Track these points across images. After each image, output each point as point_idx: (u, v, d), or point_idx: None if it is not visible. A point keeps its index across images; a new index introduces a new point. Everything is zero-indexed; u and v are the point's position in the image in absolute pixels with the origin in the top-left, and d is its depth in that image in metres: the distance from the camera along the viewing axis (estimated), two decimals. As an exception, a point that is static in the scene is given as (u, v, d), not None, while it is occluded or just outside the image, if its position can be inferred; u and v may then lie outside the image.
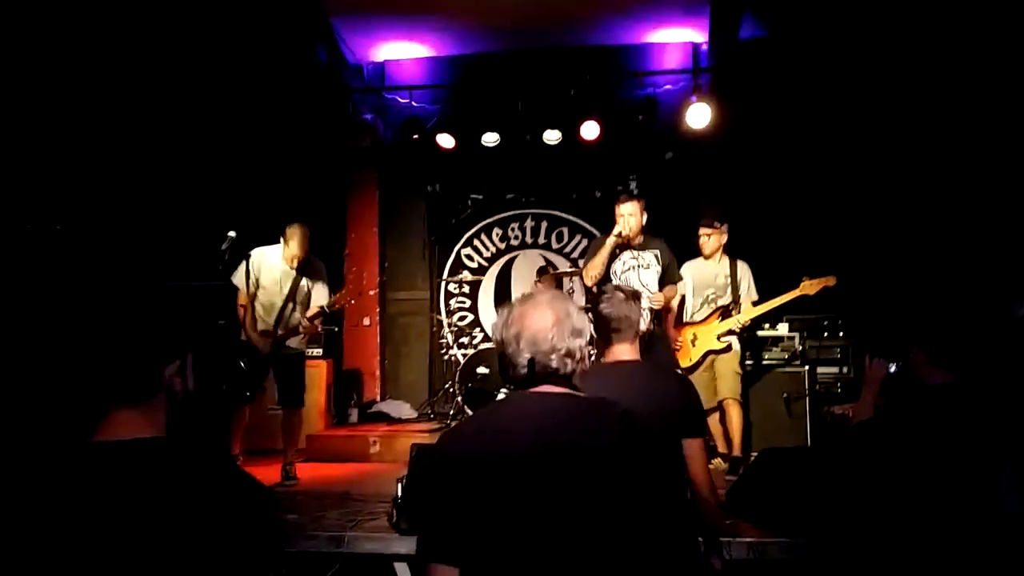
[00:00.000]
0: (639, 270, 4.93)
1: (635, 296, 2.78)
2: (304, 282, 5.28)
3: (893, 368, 2.60)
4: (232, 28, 6.01)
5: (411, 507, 3.63)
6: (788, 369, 5.73)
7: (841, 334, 5.77)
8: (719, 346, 5.10)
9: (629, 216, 4.83)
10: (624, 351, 2.68)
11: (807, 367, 5.70)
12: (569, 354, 1.72)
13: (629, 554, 1.56)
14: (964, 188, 5.64)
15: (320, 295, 5.36)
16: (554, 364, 1.70)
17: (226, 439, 5.08)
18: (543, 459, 1.59)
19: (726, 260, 5.30)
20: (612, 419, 1.68)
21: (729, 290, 5.23)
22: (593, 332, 2.49)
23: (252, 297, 5.17)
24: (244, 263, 5.05)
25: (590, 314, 2.57)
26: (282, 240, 5.21)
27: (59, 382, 1.43)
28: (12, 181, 4.82)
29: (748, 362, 5.47)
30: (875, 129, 6.14)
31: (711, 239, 5.27)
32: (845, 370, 5.68)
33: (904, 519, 2.26)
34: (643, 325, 2.78)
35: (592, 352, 1.96)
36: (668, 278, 5.01)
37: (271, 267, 5.21)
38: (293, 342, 5.29)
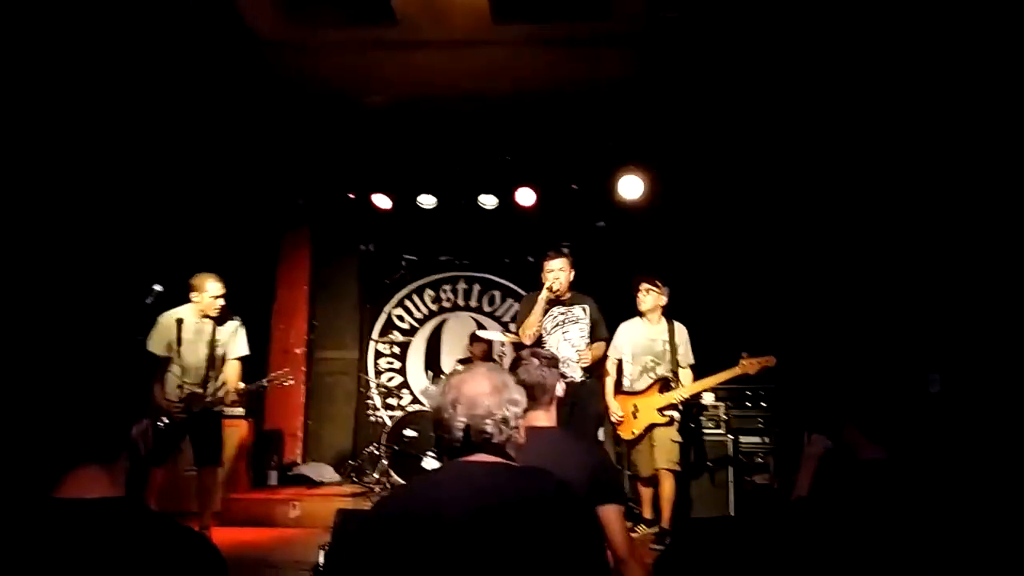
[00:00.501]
0: (568, 324, 5.01)
1: (552, 362, 2.80)
2: (220, 335, 5.12)
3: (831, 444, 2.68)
4: (168, 70, 5.93)
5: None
6: (711, 438, 5.81)
7: (764, 404, 5.90)
8: (661, 420, 5.11)
9: (559, 271, 4.96)
10: (539, 417, 2.68)
11: (730, 436, 5.80)
12: (504, 421, 1.73)
13: None
14: (882, 265, 5.90)
15: (239, 347, 5.22)
16: (489, 429, 1.70)
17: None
18: (476, 530, 1.57)
19: (664, 323, 5.34)
20: (547, 490, 1.68)
21: (668, 357, 5.25)
22: None
23: (167, 361, 4.99)
24: (154, 329, 4.94)
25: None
26: (192, 292, 5.05)
27: (29, 436, 1.38)
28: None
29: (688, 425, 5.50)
30: (800, 207, 6.41)
31: (649, 296, 5.30)
32: (767, 440, 5.80)
33: None
34: (559, 391, 2.80)
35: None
36: (596, 334, 5.09)
37: (183, 327, 5.04)
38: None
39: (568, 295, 5.06)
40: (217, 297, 5.04)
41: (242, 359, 5.23)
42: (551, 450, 2.51)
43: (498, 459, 1.73)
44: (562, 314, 5.04)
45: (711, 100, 6.37)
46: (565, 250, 7.21)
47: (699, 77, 6.26)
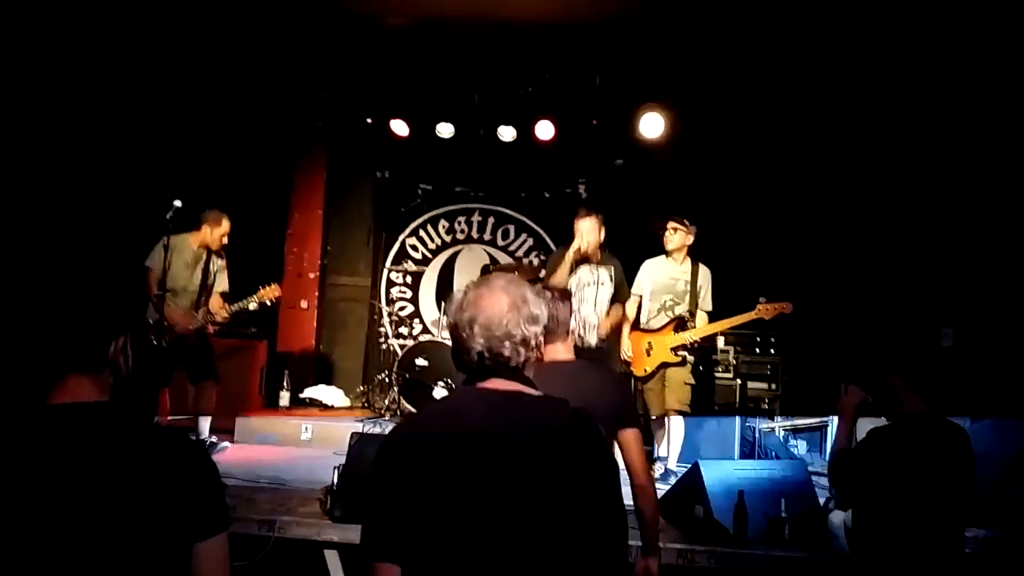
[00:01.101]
0: (596, 286, 5.07)
1: (565, 296, 2.81)
2: (214, 266, 5.46)
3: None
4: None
5: (351, 499, 3.60)
6: (721, 382, 5.87)
7: (773, 351, 5.94)
8: (674, 359, 5.10)
9: (588, 231, 4.98)
10: (558, 350, 2.71)
11: (738, 381, 5.86)
12: (524, 342, 1.68)
13: (571, 554, 1.56)
14: (898, 217, 5.86)
15: (224, 282, 5.56)
16: (507, 352, 1.66)
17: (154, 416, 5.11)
18: (490, 457, 1.57)
19: (688, 263, 5.26)
20: (561, 418, 1.66)
21: (687, 298, 5.20)
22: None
23: (159, 280, 5.08)
24: (160, 246, 5.00)
25: None
26: (204, 225, 5.37)
27: (18, 345, 1.43)
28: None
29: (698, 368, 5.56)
30: (821, 151, 6.33)
31: (676, 235, 5.23)
32: (774, 386, 5.86)
33: (884, 537, 2.39)
34: (573, 323, 2.81)
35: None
36: (618, 297, 5.15)
37: (182, 251, 5.30)
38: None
39: (598, 255, 5.10)
40: (224, 235, 5.41)
41: (223, 294, 5.55)
42: (572, 380, 2.56)
43: (515, 385, 1.69)
44: (590, 274, 5.09)
45: (735, 38, 6.21)
46: (583, 193, 7.32)
47: (724, 13, 6.10)
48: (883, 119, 5.87)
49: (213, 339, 5.62)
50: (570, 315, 2.78)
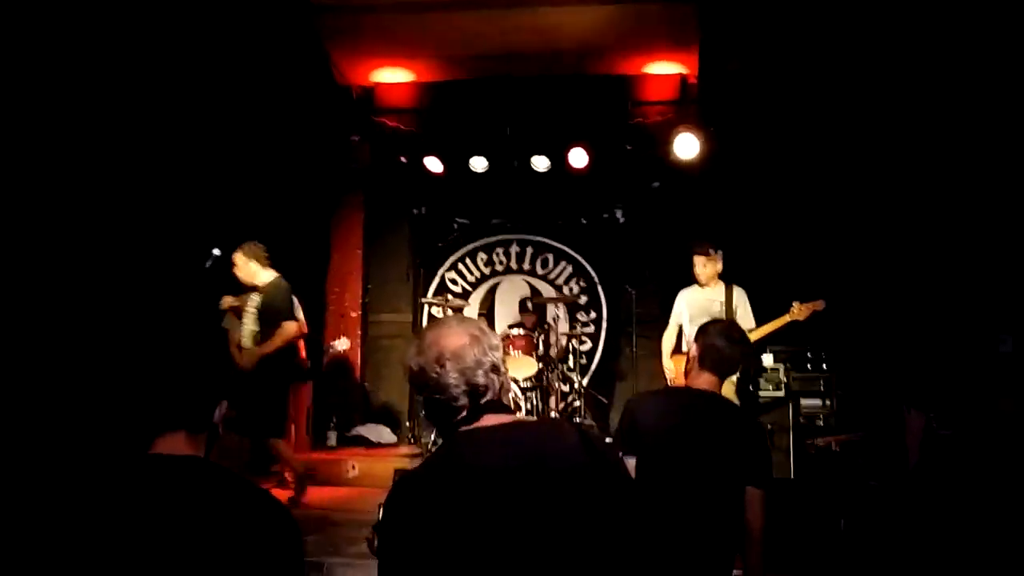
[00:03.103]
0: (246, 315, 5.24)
1: (745, 340, 2.83)
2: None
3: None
4: (228, 46, 5.95)
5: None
6: (771, 400, 5.72)
7: (824, 366, 5.78)
8: None
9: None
10: (712, 383, 2.76)
11: (790, 399, 5.70)
12: (495, 368, 1.65)
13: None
14: (947, 216, 5.70)
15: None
16: (482, 380, 1.62)
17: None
18: (521, 487, 1.51)
19: (721, 286, 5.35)
20: (572, 438, 1.62)
21: (724, 317, 5.20)
22: (695, 353, 2.75)
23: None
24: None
25: (702, 338, 2.75)
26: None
27: (132, 399, 1.58)
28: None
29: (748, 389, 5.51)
30: (857, 155, 6.22)
31: (707, 267, 5.32)
32: (828, 402, 5.68)
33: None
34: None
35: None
36: (272, 319, 5.06)
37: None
38: None
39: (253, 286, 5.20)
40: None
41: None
42: (706, 414, 2.66)
43: (510, 417, 1.65)
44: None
45: (767, 59, 6.19)
46: (620, 217, 7.33)
47: (756, 35, 6.09)
48: (924, 117, 5.76)
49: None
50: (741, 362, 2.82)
